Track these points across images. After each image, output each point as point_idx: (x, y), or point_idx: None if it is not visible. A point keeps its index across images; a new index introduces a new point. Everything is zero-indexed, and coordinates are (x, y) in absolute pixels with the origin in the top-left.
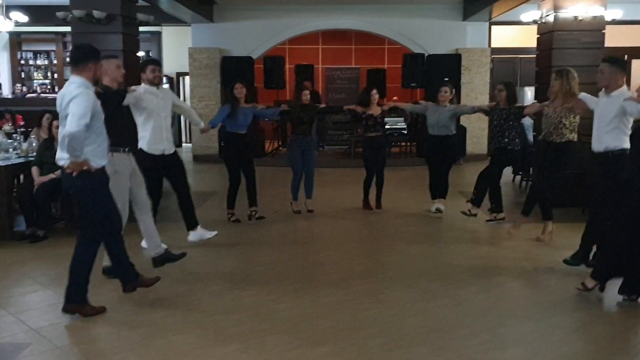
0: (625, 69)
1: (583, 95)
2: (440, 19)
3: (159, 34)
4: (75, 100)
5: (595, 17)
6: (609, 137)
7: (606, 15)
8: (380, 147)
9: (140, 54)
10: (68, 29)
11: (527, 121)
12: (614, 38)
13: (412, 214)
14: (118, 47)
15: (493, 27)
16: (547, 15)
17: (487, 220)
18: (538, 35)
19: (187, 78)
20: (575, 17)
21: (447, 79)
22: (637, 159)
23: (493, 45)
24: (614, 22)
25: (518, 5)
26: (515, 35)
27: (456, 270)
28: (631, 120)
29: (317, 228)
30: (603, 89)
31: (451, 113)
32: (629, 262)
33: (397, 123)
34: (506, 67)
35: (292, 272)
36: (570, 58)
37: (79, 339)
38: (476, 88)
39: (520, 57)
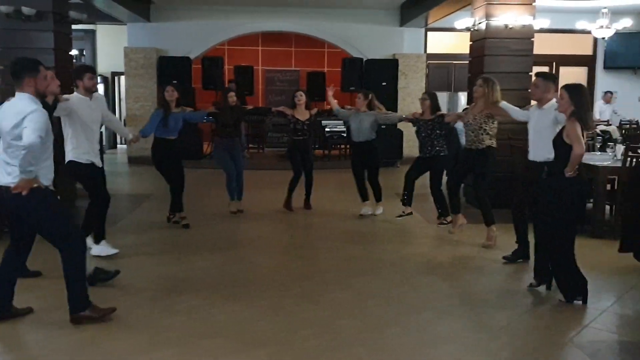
0: (556, 83)
1: (505, 104)
2: (378, 25)
3: (93, 32)
4: (31, 116)
5: (524, 26)
6: (546, 148)
7: (534, 24)
8: (306, 150)
9: (74, 52)
10: None
11: (460, 125)
12: (542, 46)
13: (349, 216)
14: (49, 46)
15: (429, 33)
16: (480, 23)
17: (439, 224)
18: (471, 42)
19: (122, 78)
20: (506, 26)
21: (385, 83)
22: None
23: (429, 51)
24: (542, 31)
25: (452, 12)
26: (450, 42)
27: (390, 270)
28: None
29: (254, 230)
30: (536, 102)
31: (373, 119)
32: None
33: (336, 126)
34: (441, 73)
35: (228, 276)
36: (501, 64)
37: (9, 346)
38: (412, 93)
39: (455, 63)
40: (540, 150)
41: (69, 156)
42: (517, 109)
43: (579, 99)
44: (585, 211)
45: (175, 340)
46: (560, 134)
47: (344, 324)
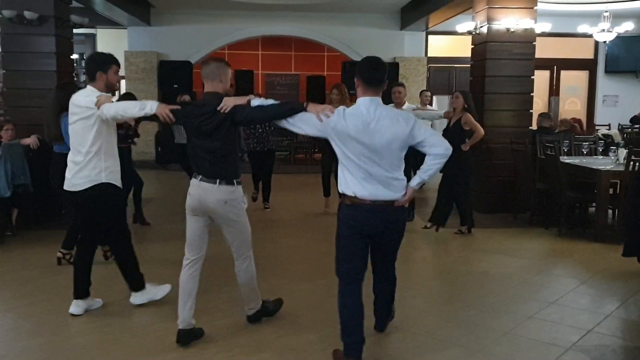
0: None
1: None
2: (378, 28)
3: (93, 36)
4: (420, 122)
5: (526, 30)
6: None
7: (536, 28)
8: (131, 160)
9: (74, 56)
10: None
11: None
12: (543, 50)
13: None
14: (51, 50)
15: (430, 36)
16: (481, 27)
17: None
18: (472, 46)
19: (123, 82)
20: (508, 29)
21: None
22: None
23: (430, 54)
24: (544, 35)
25: (453, 16)
26: (451, 45)
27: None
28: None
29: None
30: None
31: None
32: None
33: None
34: (442, 76)
35: (228, 281)
36: (503, 68)
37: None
38: (413, 96)
39: (456, 67)
40: None
41: (106, 176)
42: None
43: (469, 100)
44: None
45: (175, 345)
46: (458, 124)
47: None
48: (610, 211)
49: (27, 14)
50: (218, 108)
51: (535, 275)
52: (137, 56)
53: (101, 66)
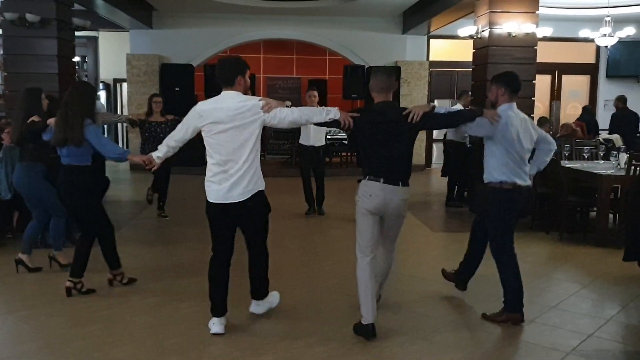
0: None
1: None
2: (380, 32)
3: (95, 39)
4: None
5: (527, 34)
6: (320, 136)
7: (538, 32)
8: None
9: (76, 59)
10: None
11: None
12: (545, 54)
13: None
14: (53, 52)
15: (431, 40)
16: (483, 31)
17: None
18: (474, 50)
19: (124, 85)
20: (509, 34)
21: None
22: None
23: (431, 58)
24: (545, 39)
25: (455, 20)
26: (453, 49)
27: (393, 278)
28: None
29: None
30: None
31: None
32: None
33: (337, 133)
34: (444, 80)
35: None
36: None
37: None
38: (415, 100)
39: (457, 71)
40: (319, 137)
41: (260, 185)
42: None
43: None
44: None
45: (180, 347)
46: None
47: (348, 332)
48: (611, 216)
49: (29, 16)
50: (410, 119)
51: (535, 279)
52: (139, 59)
53: (241, 71)
